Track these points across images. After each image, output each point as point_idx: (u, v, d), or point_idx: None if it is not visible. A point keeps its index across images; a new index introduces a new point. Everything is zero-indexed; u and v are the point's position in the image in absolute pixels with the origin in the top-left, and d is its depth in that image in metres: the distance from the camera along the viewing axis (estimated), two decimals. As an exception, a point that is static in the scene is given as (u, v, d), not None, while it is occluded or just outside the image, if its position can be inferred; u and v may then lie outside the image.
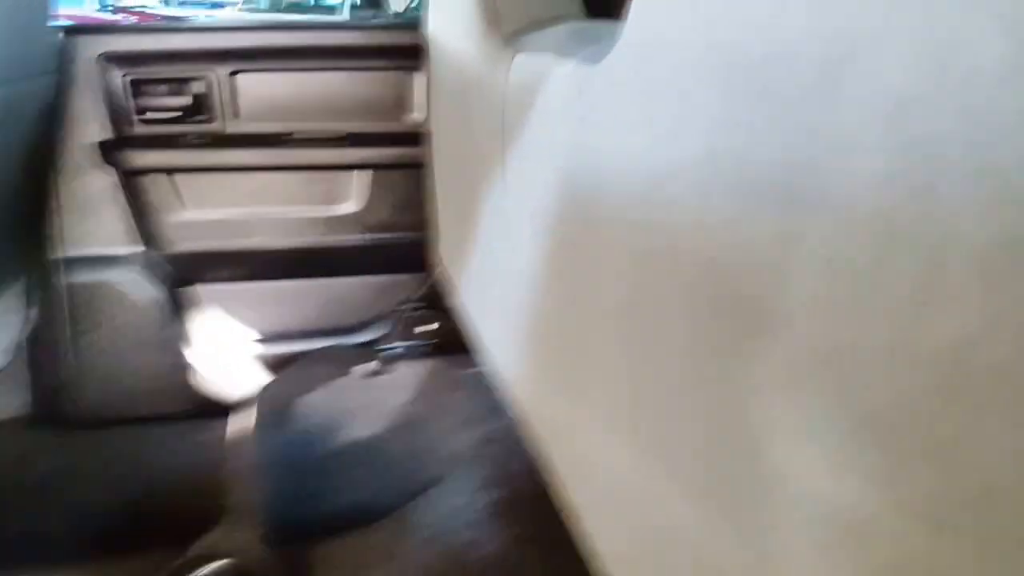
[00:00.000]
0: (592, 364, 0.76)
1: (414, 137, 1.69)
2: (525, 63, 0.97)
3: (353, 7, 10.98)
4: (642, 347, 0.64)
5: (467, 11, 1.24)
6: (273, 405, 1.62)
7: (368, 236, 1.78)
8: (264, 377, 1.77)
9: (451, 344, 1.72)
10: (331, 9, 10.98)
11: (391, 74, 1.70)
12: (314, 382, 1.69)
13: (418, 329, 1.84)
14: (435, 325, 1.82)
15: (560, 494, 0.87)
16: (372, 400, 1.63)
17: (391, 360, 1.79)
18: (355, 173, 1.75)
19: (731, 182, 0.48)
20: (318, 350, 1.82)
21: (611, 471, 0.72)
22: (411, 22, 1.68)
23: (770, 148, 0.43)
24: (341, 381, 1.71)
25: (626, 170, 0.63)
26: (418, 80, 1.69)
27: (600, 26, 1.05)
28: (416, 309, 1.85)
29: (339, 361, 1.78)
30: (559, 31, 1.03)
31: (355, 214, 1.76)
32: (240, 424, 1.61)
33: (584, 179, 0.73)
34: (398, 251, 1.80)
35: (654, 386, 0.62)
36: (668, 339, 0.58)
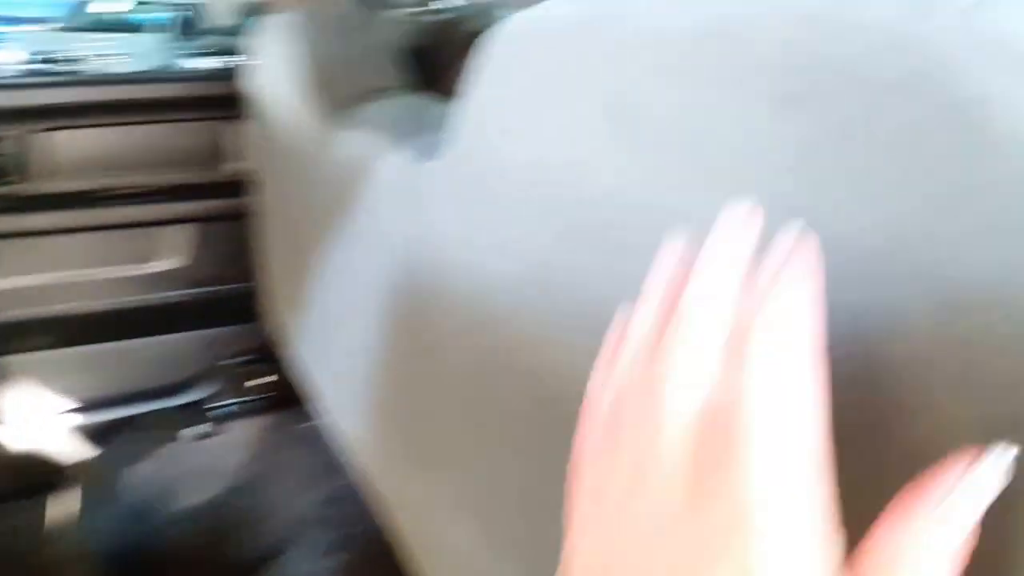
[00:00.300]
0: (441, 441, 0.78)
1: (237, 187, 1.64)
2: (355, 141, 0.98)
3: (163, 28, 10.53)
4: (487, 432, 0.66)
5: (289, 74, 1.23)
6: (99, 480, 1.54)
7: (192, 291, 1.71)
8: (87, 450, 1.67)
9: (286, 397, 1.68)
10: (138, 26, 10.52)
11: (210, 124, 1.65)
12: (143, 450, 1.62)
13: (250, 383, 1.78)
14: (268, 378, 1.78)
15: (406, 562, 0.88)
16: (207, 464, 1.58)
17: (224, 419, 1.73)
18: (176, 227, 1.68)
19: (558, 305, 0.51)
20: (145, 414, 1.73)
21: (459, 548, 0.74)
22: (227, 72, 1.63)
23: (586, 279, 0.47)
24: (172, 446, 1.64)
25: (460, 271, 0.66)
26: (239, 129, 1.64)
27: (427, 106, 1.07)
28: (247, 363, 1.79)
29: (168, 425, 1.71)
30: (388, 109, 1.05)
31: (177, 270, 1.69)
32: (63, 504, 1.51)
33: (422, 270, 0.75)
34: (225, 304, 1.74)
35: (502, 471, 0.64)
36: (510, 430, 0.61)
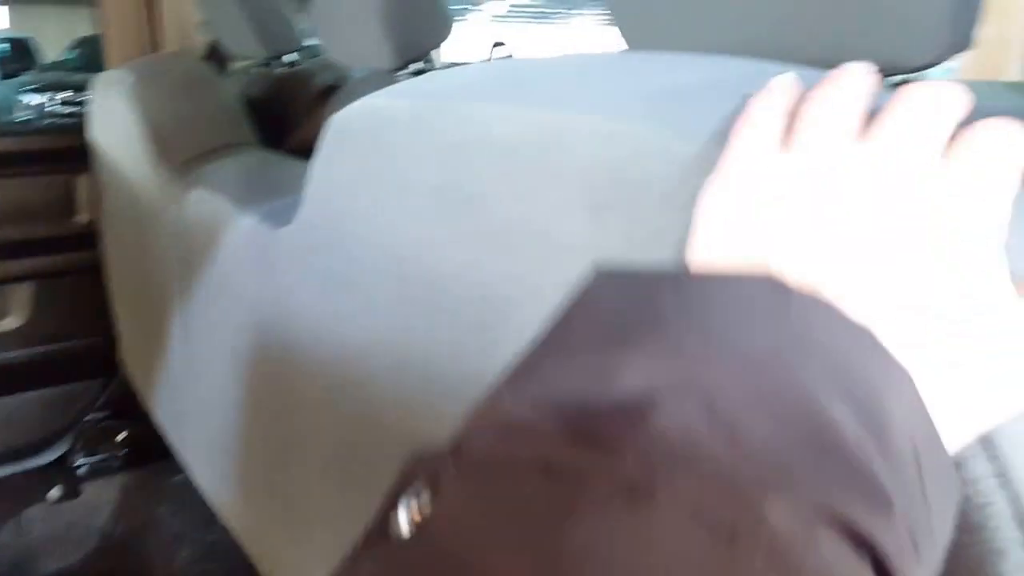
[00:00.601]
0: (307, 499, 0.79)
1: (82, 240, 1.60)
2: (202, 202, 0.98)
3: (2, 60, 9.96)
4: (353, 490, 0.68)
5: (132, 131, 1.22)
6: None
7: (39, 349, 1.64)
8: None
9: (147, 453, 1.64)
10: None
11: (53, 177, 1.59)
12: (1, 517, 1.53)
13: (115, 438, 1.71)
14: (124, 434, 1.72)
15: None
16: (67, 528, 1.51)
17: (88, 477, 1.66)
18: (16, 286, 1.60)
19: (418, 373, 0.54)
20: (1, 479, 1.63)
21: None
22: (72, 125, 1.59)
23: (445, 347, 0.51)
24: (28, 513, 1.56)
25: (315, 335, 0.68)
26: (83, 182, 1.60)
27: (275, 164, 1.09)
28: (108, 418, 1.73)
29: (21, 490, 1.62)
30: (234, 168, 1.05)
31: (18, 328, 1.61)
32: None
33: (277, 332, 0.76)
34: (73, 360, 1.67)
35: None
36: (377, 487, 0.64)
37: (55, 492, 1.61)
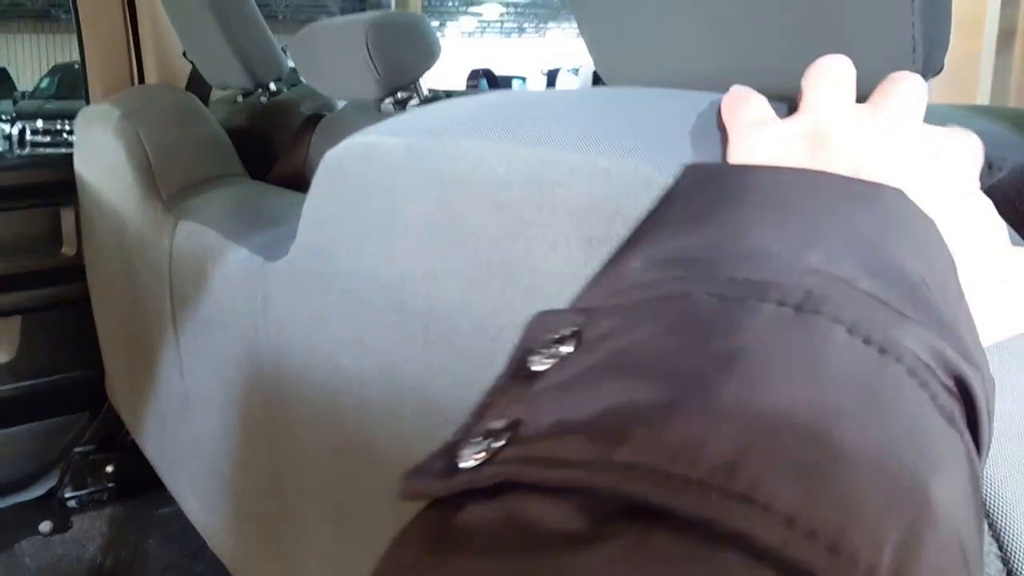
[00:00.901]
0: (298, 526, 0.79)
1: (68, 273, 1.60)
2: (192, 235, 0.99)
3: None
4: (345, 517, 0.69)
5: (119, 165, 1.22)
6: None
7: (25, 383, 1.63)
8: None
9: (135, 485, 1.64)
10: None
11: (37, 210, 1.60)
12: None
13: (104, 471, 1.71)
14: (120, 465, 1.71)
15: None
16: (57, 562, 1.51)
17: (72, 511, 1.65)
18: (9, 318, 1.60)
19: (413, 403, 0.55)
20: None
21: None
22: (56, 158, 1.60)
23: (441, 377, 0.52)
24: (19, 546, 1.55)
25: (309, 365, 0.69)
26: (68, 215, 1.61)
27: (264, 195, 1.10)
28: (97, 450, 1.72)
29: (11, 523, 1.61)
30: (224, 199, 1.06)
31: (7, 363, 1.61)
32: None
33: (271, 362, 0.77)
34: (62, 393, 1.67)
35: (362, 552, 0.67)
36: (369, 515, 0.64)
37: (46, 525, 1.61)
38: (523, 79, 14.38)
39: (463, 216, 0.48)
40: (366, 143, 0.57)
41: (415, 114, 0.57)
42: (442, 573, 0.19)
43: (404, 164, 0.53)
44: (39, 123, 7.99)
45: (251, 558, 0.95)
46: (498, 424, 0.21)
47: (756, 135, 0.33)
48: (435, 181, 0.50)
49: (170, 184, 1.17)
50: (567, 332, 0.23)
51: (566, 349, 0.23)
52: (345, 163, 0.60)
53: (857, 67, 0.56)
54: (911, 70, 0.53)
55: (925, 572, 0.17)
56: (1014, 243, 0.32)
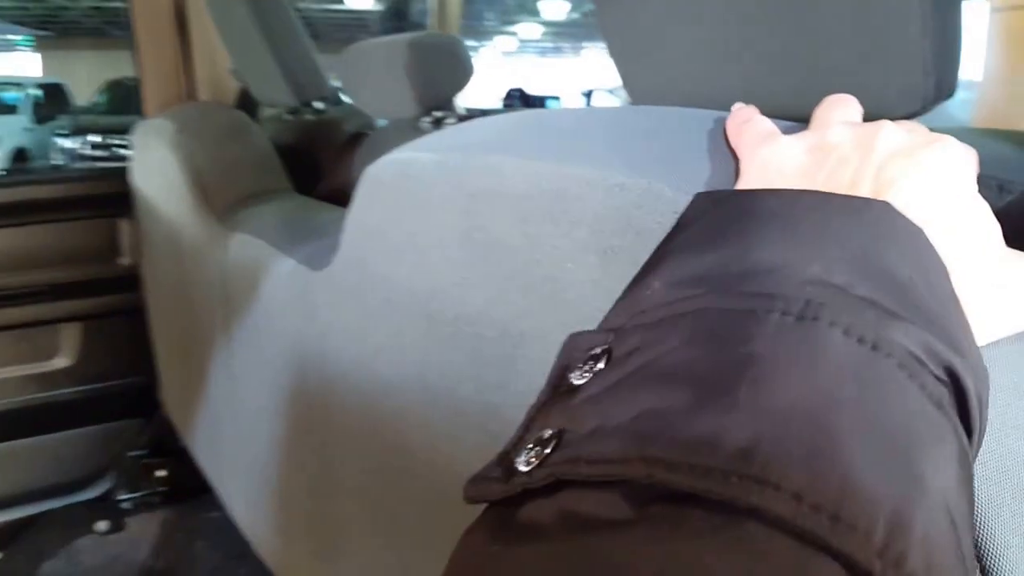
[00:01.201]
0: (343, 531, 0.81)
1: (125, 282, 1.66)
2: (244, 246, 1.03)
3: (36, 105, 10.18)
4: (388, 522, 0.71)
5: (174, 178, 1.26)
6: None
7: (84, 388, 1.70)
8: None
9: (185, 489, 1.69)
10: (11, 108, 10.20)
11: (98, 221, 1.67)
12: (43, 551, 1.59)
13: (156, 475, 1.78)
14: (172, 470, 1.77)
15: None
16: (112, 560, 1.57)
17: (126, 513, 1.71)
18: (63, 326, 1.68)
19: (444, 405, 0.58)
20: (43, 514, 1.70)
21: None
22: (113, 171, 1.66)
23: (468, 381, 0.55)
24: (75, 544, 1.62)
25: (351, 373, 0.72)
26: (125, 226, 1.67)
27: (310, 208, 1.13)
28: (142, 456, 1.79)
29: (69, 522, 1.68)
30: (273, 213, 1.10)
31: (67, 368, 1.68)
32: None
33: (315, 369, 0.80)
34: (118, 399, 1.74)
35: (405, 558, 0.69)
36: (410, 519, 0.66)
37: (101, 525, 1.67)
38: (557, 99, 14.43)
39: (488, 228, 0.51)
40: (402, 159, 0.60)
41: (448, 132, 0.60)
42: (511, 559, 0.22)
43: (436, 179, 0.56)
44: (95, 137, 8.19)
45: (296, 561, 0.98)
46: (546, 433, 0.24)
47: (767, 148, 0.36)
48: (463, 195, 0.53)
49: (222, 197, 1.21)
50: (598, 351, 0.26)
51: (600, 365, 0.26)
52: (383, 178, 0.63)
53: (869, 90, 0.58)
54: (922, 94, 0.55)
55: (916, 537, 0.19)
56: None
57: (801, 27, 0.55)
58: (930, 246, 0.28)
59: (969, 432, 0.25)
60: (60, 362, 1.68)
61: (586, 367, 0.26)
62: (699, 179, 0.40)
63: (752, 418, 0.21)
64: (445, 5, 3.61)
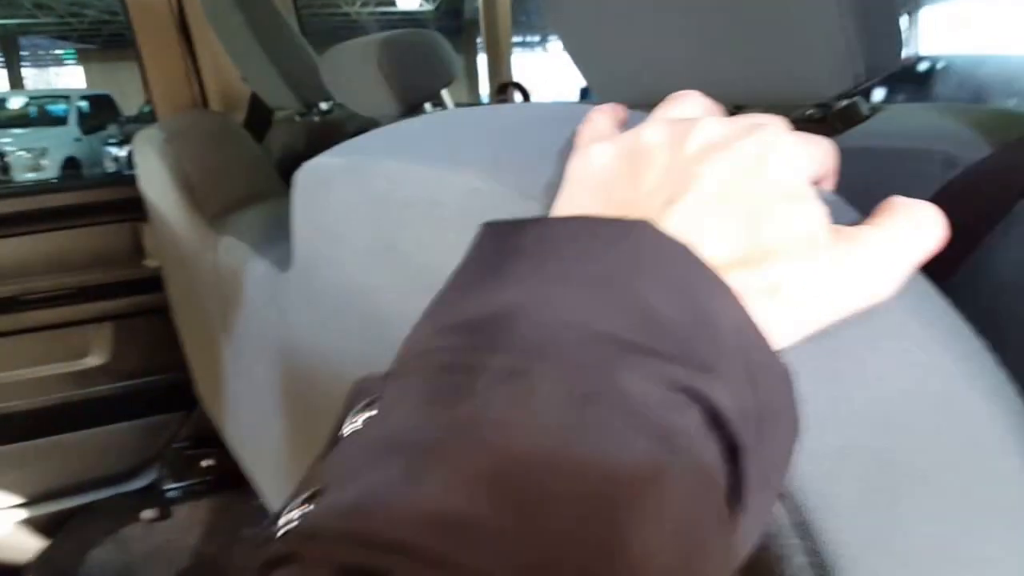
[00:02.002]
0: None
1: (152, 283, 1.73)
2: (230, 249, 1.06)
3: (83, 116, 10.33)
4: None
5: (166, 185, 1.30)
6: (54, 571, 1.59)
7: (122, 384, 1.78)
8: (39, 542, 1.72)
9: (231, 477, 1.73)
10: (62, 120, 10.46)
11: (124, 224, 1.74)
12: (95, 538, 1.67)
13: (200, 464, 1.85)
14: (208, 461, 1.85)
15: None
16: (159, 546, 1.64)
17: (172, 502, 1.79)
18: (94, 326, 1.76)
19: None
20: (91, 504, 1.78)
21: None
22: (131, 177, 1.70)
23: None
24: (125, 532, 1.70)
25: (321, 371, 0.74)
26: (148, 229, 1.74)
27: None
28: (185, 447, 1.86)
29: (117, 512, 1.76)
30: (257, 216, 1.13)
31: (101, 366, 1.76)
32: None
33: (302, 366, 0.83)
34: (158, 393, 1.81)
35: None
36: None
37: (148, 513, 1.75)
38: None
39: (388, 232, 0.53)
40: (318, 163, 0.62)
41: (372, 134, 0.61)
42: None
43: (343, 183, 0.58)
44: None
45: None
46: (305, 493, 0.24)
47: (578, 155, 0.34)
48: (366, 199, 0.55)
49: (212, 203, 1.25)
50: (371, 399, 0.27)
51: (370, 413, 0.26)
52: (305, 184, 0.65)
53: (800, 72, 0.59)
54: (852, 72, 0.57)
55: None
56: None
57: (735, 13, 0.58)
58: (694, 262, 0.27)
59: (737, 447, 0.24)
60: (97, 360, 1.77)
61: (358, 417, 0.26)
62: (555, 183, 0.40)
63: (446, 491, 0.21)
64: (494, 3, 3.60)
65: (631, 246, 0.27)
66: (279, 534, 0.22)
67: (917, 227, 0.30)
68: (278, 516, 0.23)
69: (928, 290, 0.33)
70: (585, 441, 0.22)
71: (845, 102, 0.69)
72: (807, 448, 0.28)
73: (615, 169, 0.32)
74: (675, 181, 0.29)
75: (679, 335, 0.25)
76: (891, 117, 0.78)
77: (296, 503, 0.23)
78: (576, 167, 0.33)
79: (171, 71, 1.76)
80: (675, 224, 0.28)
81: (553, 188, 0.36)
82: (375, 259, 0.56)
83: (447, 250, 0.45)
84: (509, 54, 3.85)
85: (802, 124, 0.73)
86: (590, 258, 0.26)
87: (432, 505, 0.21)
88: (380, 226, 0.54)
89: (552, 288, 0.26)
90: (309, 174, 0.64)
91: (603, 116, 0.38)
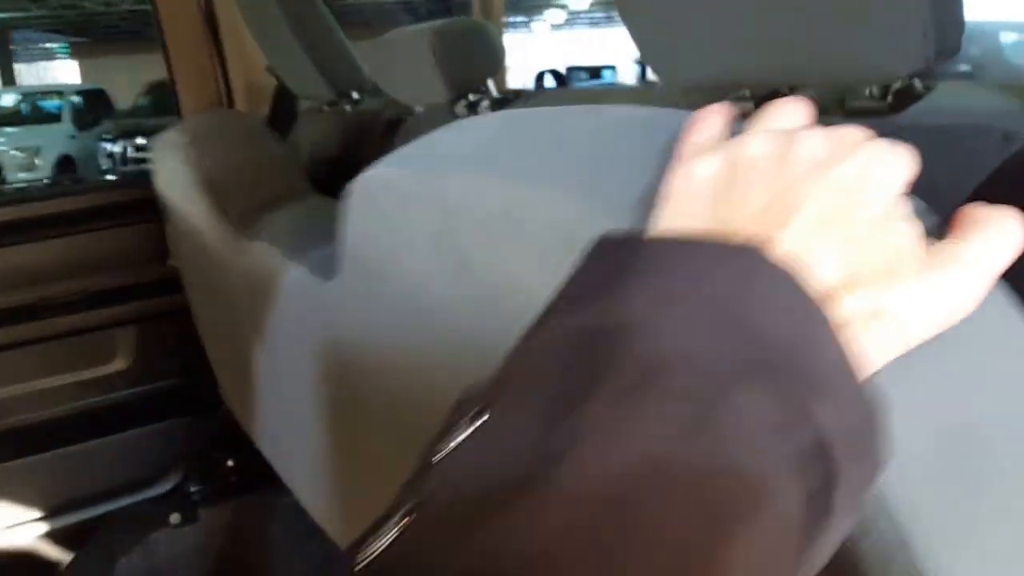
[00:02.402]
0: None
1: (174, 284, 1.70)
2: (259, 253, 1.05)
3: (76, 112, 10.31)
4: None
5: (189, 189, 1.28)
6: (91, 573, 1.57)
7: (144, 388, 1.76)
8: (67, 554, 1.69)
9: (256, 477, 1.72)
10: (55, 116, 10.41)
11: (143, 226, 1.71)
12: (124, 544, 1.65)
13: (217, 469, 1.83)
14: (231, 462, 1.83)
15: None
16: (190, 549, 1.63)
17: (198, 504, 1.78)
18: (118, 330, 1.73)
19: (435, 394, 0.59)
20: (117, 511, 1.76)
21: None
22: (146, 177, 1.67)
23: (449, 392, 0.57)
24: (154, 536, 1.68)
25: (373, 368, 0.74)
26: (168, 229, 1.70)
27: (324, 210, 1.12)
28: (209, 450, 1.85)
29: (142, 518, 1.74)
30: (286, 218, 1.12)
31: (125, 370, 1.74)
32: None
33: (343, 371, 0.82)
34: (180, 396, 1.79)
35: None
36: None
37: (175, 517, 1.73)
38: (613, 68, 14.42)
39: (456, 242, 0.53)
40: (378, 175, 0.62)
41: (428, 141, 0.60)
42: None
43: (410, 195, 0.58)
44: (139, 140, 8.29)
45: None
46: (396, 515, 0.25)
47: (684, 166, 0.34)
48: (437, 211, 0.54)
49: (237, 205, 1.22)
50: (479, 407, 0.27)
51: (481, 421, 0.26)
52: (366, 193, 0.65)
53: (871, 51, 0.59)
54: (923, 53, 0.56)
55: None
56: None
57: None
58: (797, 290, 0.28)
59: (835, 477, 0.25)
60: (118, 365, 1.74)
61: (464, 428, 0.27)
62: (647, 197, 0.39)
63: (560, 507, 0.22)
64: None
65: (742, 271, 0.28)
66: (372, 556, 0.24)
67: (1004, 238, 0.31)
68: (371, 534, 0.25)
69: (1003, 293, 0.34)
70: (696, 468, 0.23)
71: (903, 82, 0.71)
72: (896, 454, 0.29)
73: (719, 185, 0.32)
74: (780, 202, 0.30)
75: (789, 359, 0.26)
76: (946, 94, 0.79)
77: (391, 523, 0.24)
78: (679, 182, 0.34)
79: (197, 65, 1.73)
80: (783, 249, 0.29)
81: (645, 203, 0.36)
82: (445, 274, 0.56)
83: (530, 269, 0.46)
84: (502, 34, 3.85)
85: (861, 103, 0.74)
86: (703, 280, 0.27)
87: (538, 530, 0.21)
88: (452, 240, 0.54)
89: (664, 309, 0.27)
90: (367, 184, 0.64)
91: (706, 124, 0.38)
